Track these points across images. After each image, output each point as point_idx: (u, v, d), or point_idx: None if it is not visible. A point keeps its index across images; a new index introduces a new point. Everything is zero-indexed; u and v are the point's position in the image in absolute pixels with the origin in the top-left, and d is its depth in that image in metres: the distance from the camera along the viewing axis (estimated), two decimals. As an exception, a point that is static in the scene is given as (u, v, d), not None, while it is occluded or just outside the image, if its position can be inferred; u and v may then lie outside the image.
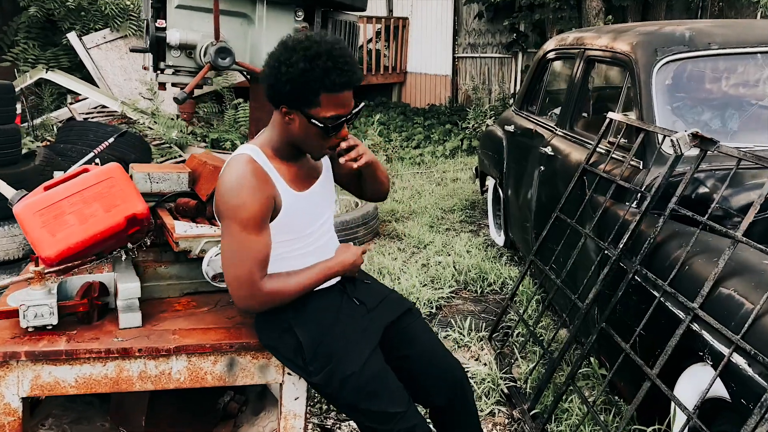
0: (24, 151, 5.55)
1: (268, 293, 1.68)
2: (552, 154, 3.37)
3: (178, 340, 1.83)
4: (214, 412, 2.36)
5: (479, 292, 3.92)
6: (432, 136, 9.00)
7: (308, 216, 1.81)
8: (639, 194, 2.43)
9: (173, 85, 2.12)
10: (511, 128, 4.30)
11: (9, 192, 2.04)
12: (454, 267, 4.18)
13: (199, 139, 7.47)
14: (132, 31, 8.10)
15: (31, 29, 8.64)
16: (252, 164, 1.68)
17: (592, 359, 2.83)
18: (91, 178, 1.89)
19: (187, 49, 2.04)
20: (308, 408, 2.58)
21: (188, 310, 2.04)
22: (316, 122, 1.64)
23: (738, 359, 1.70)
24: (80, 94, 7.70)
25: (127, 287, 1.85)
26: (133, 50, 2.15)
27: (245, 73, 2.20)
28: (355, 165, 1.74)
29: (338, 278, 1.86)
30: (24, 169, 4.04)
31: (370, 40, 10.47)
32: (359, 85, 1.68)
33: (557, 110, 3.75)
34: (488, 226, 5.15)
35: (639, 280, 2.24)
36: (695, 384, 2.01)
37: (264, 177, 1.68)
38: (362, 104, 1.77)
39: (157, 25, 2.05)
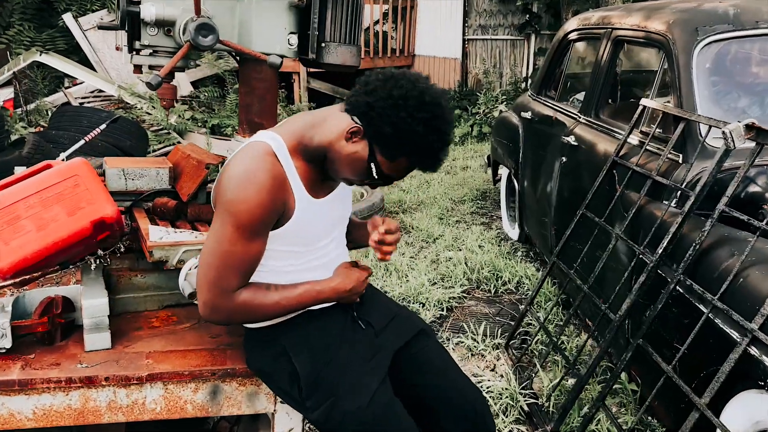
0: (15, 137, 5.31)
1: (237, 305, 1.41)
2: (575, 144, 3.08)
3: (151, 365, 1.57)
4: (201, 433, 2.12)
5: (493, 291, 3.65)
6: (441, 121, 8.68)
7: (322, 226, 1.54)
8: (679, 192, 2.15)
9: (150, 67, 1.86)
10: (528, 115, 4.01)
11: None
12: (465, 264, 3.91)
13: (199, 124, 7.20)
14: (130, 12, 7.82)
15: (27, 10, 8.38)
16: (270, 159, 1.39)
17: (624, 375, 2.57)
18: (52, 176, 1.62)
19: (165, 26, 1.77)
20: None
21: (167, 327, 1.79)
22: (375, 169, 1.39)
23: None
24: (77, 78, 7.44)
25: (93, 304, 1.59)
26: (101, 28, 1.87)
27: (233, 54, 1.93)
28: (387, 258, 1.55)
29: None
30: (9, 158, 3.79)
31: (377, 22, 10.12)
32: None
33: (580, 96, 3.46)
34: (501, 218, 4.87)
35: (681, 291, 1.97)
36: (748, 412, 1.75)
37: (281, 178, 1.40)
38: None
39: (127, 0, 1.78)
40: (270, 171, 1.38)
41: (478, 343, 2.94)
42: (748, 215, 1.90)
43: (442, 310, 3.39)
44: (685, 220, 2.04)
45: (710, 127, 2.15)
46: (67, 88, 7.80)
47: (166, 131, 6.65)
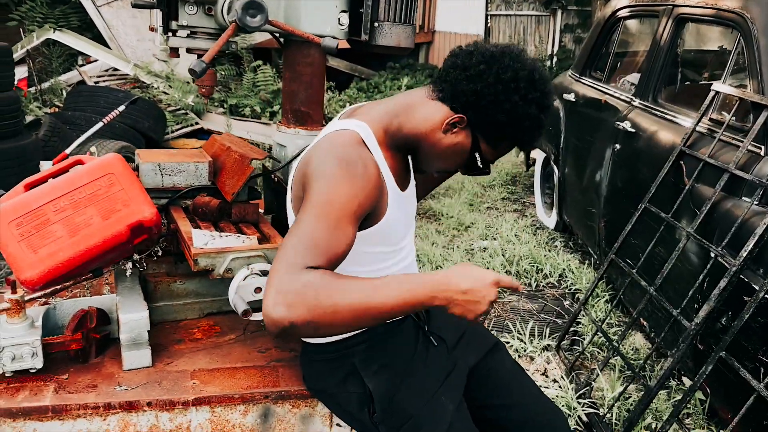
0: (30, 119, 5.14)
1: (310, 282, 1.01)
2: (632, 130, 2.86)
3: (198, 387, 1.41)
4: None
5: (534, 286, 3.47)
6: (463, 101, 8.45)
7: (404, 222, 1.38)
8: (765, 189, 1.95)
9: (188, 51, 1.67)
10: (570, 97, 3.78)
11: None
12: (503, 255, 3.73)
13: (216, 104, 7.00)
14: (145, -14, 7.59)
15: (39, -15, 8.14)
16: (362, 149, 1.22)
17: (684, 378, 2.40)
18: (84, 175, 1.45)
19: (207, 4, 1.57)
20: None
21: (210, 339, 1.62)
22: (479, 157, 1.26)
23: None
24: (90, 56, 7.25)
25: (132, 318, 1.43)
26: (135, 6, 1.68)
27: (278, 35, 1.74)
28: None
29: None
30: (25, 142, 3.62)
31: (396, -2, 9.84)
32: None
33: (631, 78, 3.23)
34: (535, 205, 4.67)
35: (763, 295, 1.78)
36: None
37: (377, 169, 1.23)
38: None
39: (165, -27, 1.59)
40: (367, 162, 1.20)
41: (525, 344, 2.77)
42: None
43: (482, 305, 3.21)
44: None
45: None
46: (81, 66, 7.61)
47: (183, 112, 6.46)
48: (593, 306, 3.03)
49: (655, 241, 2.37)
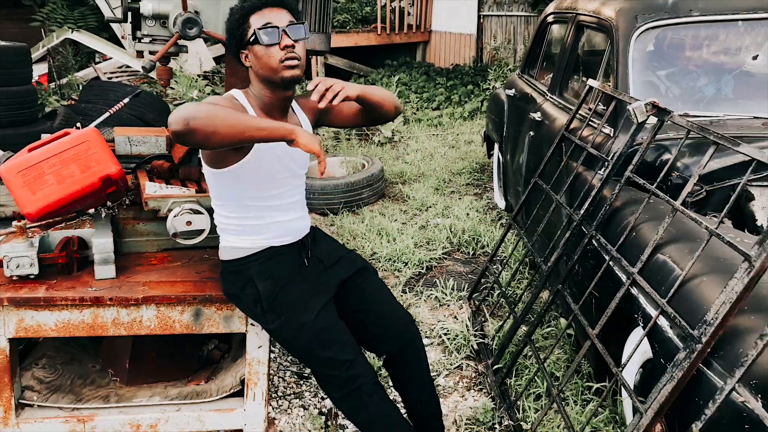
0: (48, 110, 5.79)
1: (198, 107, 1.59)
2: (540, 119, 3.40)
3: (146, 291, 2.00)
4: (195, 359, 2.55)
5: (471, 253, 4.02)
6: (453, 97, 8.97)
7: (281, 162, 1.91)
8: (602, 162, 2.49)
9: (150, 53, 2.25)
10: (512, 92, 4.32)
11: None
12: (449, 229, 4.28)
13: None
14: (156, -10, 8.22)
15: (60, -11, 8.83)
16: (233, 101, 1.85)
17: (562, 320, 2.94)
18: (68, 142, 2.04)
19: (161, 19, 2.15)
20: (273, 356, 2.76)
21: (162, 265, 2.21)
22: (255, 37, 1.78)
23: (663, 322, 1.79)
24: (106, 54, 7.91)
25: (101, 242, 2.02)
26: (108, 21, 2.27)
27: (216, 42, 2.31)
28: (335, 101, 1.78)
29: (300, 235, 1.99)
30: (40, 129, 4.24)
31: (394, -1, 10.37)
32: (295, 7, 1.87)
33: (551, 75, 3.76)
34: (493, 189, 5.20)
35: (595, 244, 2.32)
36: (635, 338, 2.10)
37: (241, 110, 1.83)
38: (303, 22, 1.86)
39: (132, -4, 2.17)
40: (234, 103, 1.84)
41: (446, 295, 3.33)
42: (664, 181, 2.23)
43: (422, 268, 3.77)
44: (604, 185, 2.38)
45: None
46: (96, 63, 8.29)
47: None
48: (510, 267, 3.56)
49: (542, 207, 2.91)
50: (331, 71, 9.72)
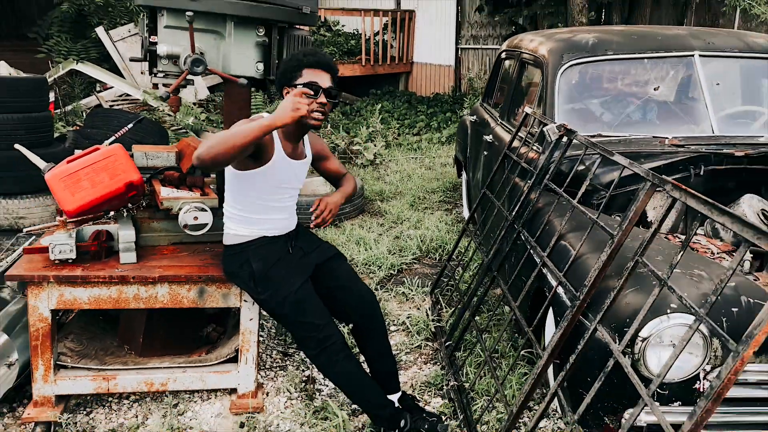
0: (56, 135, 6.33)
1: (218, 139, 2.10)
2: (491, 141, 3.98)
3: (160, 272, 2.53)
4: (197, 338, 3.06)
5: (438, 258, 4.57)
6: (432, 123, 9.60)
7: (288, 176, 2.48)
8: (530, 173, 3.05)
9: (164, 85, 2.79)
10: (473, 119, 4.91)
11: (42, 164, 2.67)
12: (420, 239, 4.83)
13: (214, 124, 8.19)
14: (154, 25, 8.84)
15: (64, 23, 9.46)
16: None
17: (506, 308, 3.47)
18: (99, 155, 2.58)
19: (173, 58, 2.70)
20: (262, 337, 3.27)
21: (173, 254, 2.74)
22: (301, 86, 2.32)
23: (560, 290, 2.33)
24: (107, 83, 8.49)
25: (126, 233, 2.55)
26: (132, 60, 2.83)
27: (219, 76, 2.87)
28: (326, 223, 2.46)
29: (288, 230, 2.53)
30: (55, 150, 4.78)
31: (377, 33, 11.07)
32: (336, 74, 2.44)
33: (502, 104, 4.35)
34: (462, 205, 5.77)
35: (523, 239, 2.87)
36: (550, 318, 2.64)
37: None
38: (339, 98, 2.45)
39: (150, 40, 2.73)
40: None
41: (411, 290, 3.86)
42: (576, 186, 2.79)
43: (394, 271, 4.31)
44: (531, 191, 2.95)
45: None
46: (98, 92, 8.86)
47: (184, 131, 7.64)
48: (471, 269, 4.11)
49: (489, 213, 3.47)
50: (318, 99, 10.32)
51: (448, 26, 11.04)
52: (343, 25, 12.67)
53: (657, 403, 1.70)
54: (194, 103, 8.67)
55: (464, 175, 5.49)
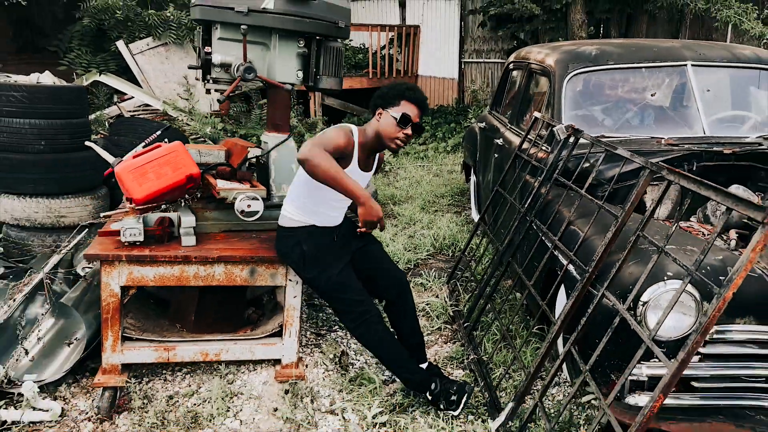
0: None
1: (323, 153, 2.46)
2: (502, 144, 4.34)
3: (217, 254, 2.86)
4: (240, 319, 3.39)
5: (451, 254, 4.90)
6: (437, 133, 9.98)
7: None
8: (540, 170, 3.40)
9: (215, 90, 3.14)
10: (482, 125, 5.28)
11: (110, 158, 3.03)
12: (433, 237, 5.17)
13: (229, 134, 8.54)
14: (172, 39, 9.22)
15: (84, 37, 9.84)
16: (350, 134, 2.68)
17: (518, 294, 3.81)
18: (163, 150, 2.92)
19: (225, 66, 3.05)
20: (304, 313, 3.60)
21: (225, 240, 3.08)
22: (399, 116, 2.65)
23: (571, 268, 2.67)
24: (125, 94, 8.85)
25: (187, 219, 2.89)
26: (190, 67, 3.18)
27: (264, 83, 3.21)
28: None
29: (335, 224, 2.87)
30: (91, 154, 5.12)
31: (384, 47, 11.47)
32: (427, 114, 2.73)
33: (510, 110, 4.71)
34: (471, 208, 6.12)
35: (535, 228, 3.21)
36: (561, 296, 2.98)
37: (352, 144, 2.69)
38: (423, 130, 2.78)
39: (205, 51, 3.08)
40: (349, 137, 2.66)
41: (429, 281, 4.20)
42: (582, 181, 3.14)
43: (411, 266, 4.65)
44: (542, 186, 3.29)
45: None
46: (115, 102, 9.22)
47: (202, 139, 8.00)
48: (483, 262, 4.45)
49: (501, 208, 3.81)
50: (327, 110, 10.72)
51: (451, 41, 11.46)
52: (351, 40, 13.08)
53: (657, 347, 2.03)
54: (209, 114, 9.04)
55: (473, 179, 5.85)
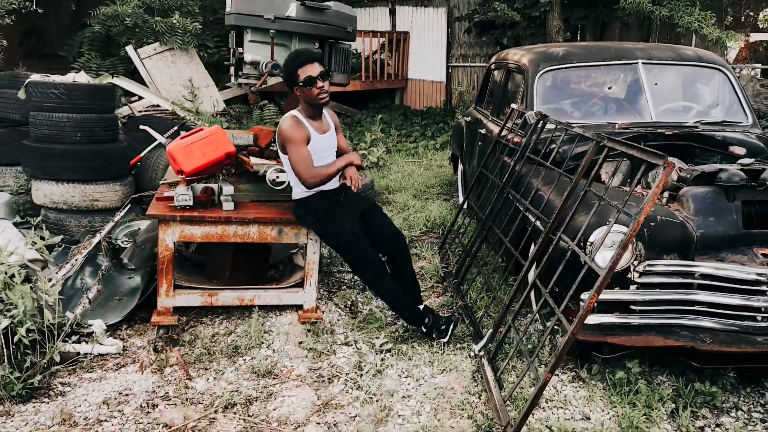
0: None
1: (317, 173, 3.31)
2: (485, 133, 5.02)
3: (252, 215, 3.51)
4: (265, 278, 4.03)
5: (441, 232, 5.58)
6: (427, 132, 10.67)
7: (322, 147, 3.46)
8: (517, 151, 4.08)
9: (246, 84, 3.79)
10: (468, 119, 5.96)
11: (162, 139, 3.67)
12: (425, 218, 5.84)
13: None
14: (177, 44, 9.84)
15: (94, 42, 10.45)
16: (298, 120, 3.35)
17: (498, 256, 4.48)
18: (206, 132, 3.58)
19: (255, 64, 3.70)
20: (321, 268, 4.24)
21: (257, 206, 3.72)
22: (303, 83, 3.30)
23: (538, 223, 3.35)
24: (133, 96, 9.47)
25: (228, 188, 3.55)
26: (227, 65, 3.84)
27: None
28: (359, 183, 3.46)
29: (333, 186, 3.52)
30: (123, 145, 5.75)
31: (375, 52, 12.16)
32: (321, 59, 3.38)
33: (492, 104, 5.40)
34: (459, 195, 6.79)
35: (511, 197, 3.89)
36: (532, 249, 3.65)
37: (302, 125, 3.35)
38: (328, 69, 3.45)
39: (238, 50, 3.74)
40: (297, 122, 3.33)
41: (423, 251, 4.87)
42: (547, 158, 3.82)
43: (407, 241, 5.30)
44: (516, 164, 3.97)
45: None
46: (124, 104, 9.83)
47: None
48: (468, 234, 5.12)
49: (486, 187, 4.49)
50: (322, 112, 11.34)
51: (439, 46, 12.17)
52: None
53: (597, 265, 2.70)
54: (213, 114, 9.66)
55: (460, 168, 6.53)
